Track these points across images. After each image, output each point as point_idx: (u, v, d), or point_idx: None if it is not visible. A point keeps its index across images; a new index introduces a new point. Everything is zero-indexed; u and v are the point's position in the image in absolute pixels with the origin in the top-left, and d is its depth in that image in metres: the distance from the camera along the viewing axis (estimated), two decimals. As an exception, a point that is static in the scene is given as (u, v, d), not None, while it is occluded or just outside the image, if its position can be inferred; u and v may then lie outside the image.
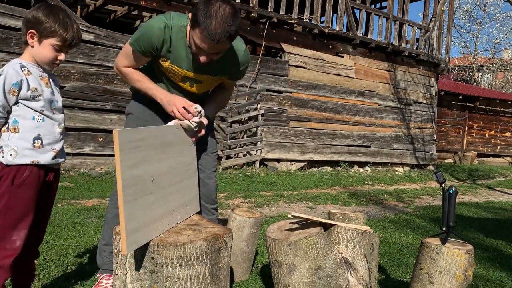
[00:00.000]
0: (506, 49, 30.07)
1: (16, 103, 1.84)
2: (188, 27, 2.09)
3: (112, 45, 7.59)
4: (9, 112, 1.84)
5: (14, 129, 1.84)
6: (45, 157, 1.89)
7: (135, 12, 9.60)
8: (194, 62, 2.20)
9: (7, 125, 1.84)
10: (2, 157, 1.82)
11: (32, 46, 1.88)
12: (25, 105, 1.85)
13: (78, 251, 3.06)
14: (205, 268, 1.78)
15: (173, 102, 2.14)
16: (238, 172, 8.43)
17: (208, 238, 1.80)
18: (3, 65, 7.40)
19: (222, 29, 1.96)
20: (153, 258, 1.72)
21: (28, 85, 1.84)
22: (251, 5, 9.02)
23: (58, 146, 1.95)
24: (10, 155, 1.82)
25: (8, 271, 1.84)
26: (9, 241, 1.83)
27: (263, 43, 9.30)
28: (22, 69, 1.85)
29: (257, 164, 9.22)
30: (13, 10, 6.76)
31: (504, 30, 28.59)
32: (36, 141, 1.87)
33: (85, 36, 7.34)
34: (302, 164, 10.16)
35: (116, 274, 1.81)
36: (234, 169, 8.69)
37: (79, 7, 8.33)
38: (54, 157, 1.93)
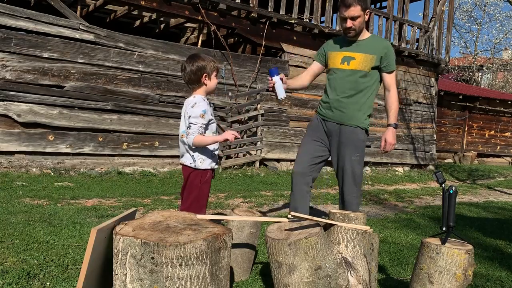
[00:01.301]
0: (506, 49, 30.08)
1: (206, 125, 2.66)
2: None
3: (112, 45, 7.59)
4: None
5: None
6: (215, 163, 2.75)
7: (135, 12, 9.60)
8: (346, 44, 3.32)
9: None
10: (191, 163, 2.69)
11: (206, 84, 2.73)
12: (207, 127, 2.68)
13: (78, 251, 3.06)
14: (205, 268, 1.78)
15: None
16: (238, 172, 8.43)
17: (208, 238, 1.80)
18: (3, 64, 7.30)
19: None
20: (153, 258, 1.72)
21: (209, 112, 2.68)
22: (251, 5, 9.02)
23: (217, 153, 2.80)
24: (200, 162, 2.68)
25: None
26: None
27: (263, 43, 9.30)
28: (204, 100, 2.69)
29: (257, 164, 9.23)
30: (13, 10, 6.75)
31: (504, 30, 28.63)
32: (213, 152, 2.72)
33: (85, 36, 7.34)
34: (302, 164, 10.16)
35: (116, 274, 1.81)
36: (234, 169, 8.70)
37: (79, 7, 8.34)
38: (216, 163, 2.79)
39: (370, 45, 3.30)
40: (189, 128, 2.63)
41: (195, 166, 2.69)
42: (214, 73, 2.74)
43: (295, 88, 3.69)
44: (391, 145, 3.40)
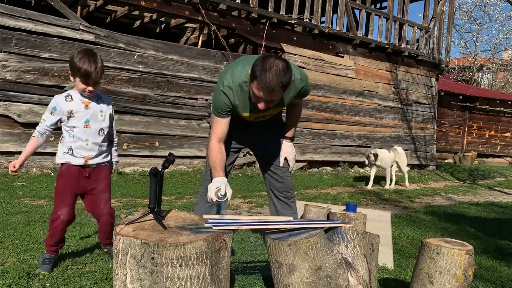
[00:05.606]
0: (506, 49, 30.07)
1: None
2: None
3: (112, 45, 7.58)
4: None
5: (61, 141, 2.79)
6: (76, 160, 2.73)
7: (136, 13, 9.60)
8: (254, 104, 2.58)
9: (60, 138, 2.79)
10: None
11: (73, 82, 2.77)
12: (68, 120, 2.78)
13: (78, 251, 3.06)
14: (205, 268, 1.78)
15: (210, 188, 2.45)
16: (238, 173, 8.43)
17: (208, 238, 1.80)
18: (4, 65, 7.30)
19: (275, 80, 2.32)
20: (153, 258, 1.72)
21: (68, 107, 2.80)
22: (251, 5, 9.02)
23: (88, 154, 2.80)
24: (58, 158, 2.78)
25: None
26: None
27: (263, 43, 9.30)
28: (66, 98, 2.88)
29: (257, 164, 9.22)
30: (13, 10, 6.76)
31: (504, 30, 28.61)
32: (69, 150, 2.74)
33: (85, 36, 7.34)
34: (302, 164, 10.16)
35: (116, 274, 1.81)
36: (234, 169, 8.69)
37: (79, 7, 8.34)
38: (85, 161, 2.76)
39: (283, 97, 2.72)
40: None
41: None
42: (77, 78, 2.78)
43: None
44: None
